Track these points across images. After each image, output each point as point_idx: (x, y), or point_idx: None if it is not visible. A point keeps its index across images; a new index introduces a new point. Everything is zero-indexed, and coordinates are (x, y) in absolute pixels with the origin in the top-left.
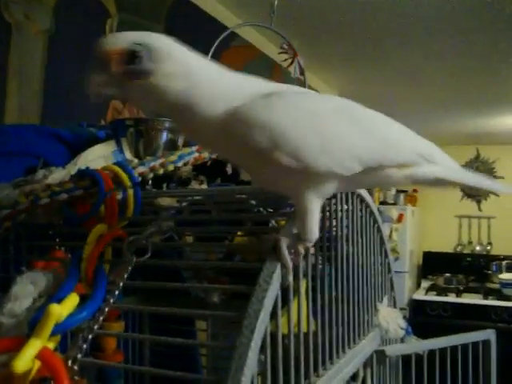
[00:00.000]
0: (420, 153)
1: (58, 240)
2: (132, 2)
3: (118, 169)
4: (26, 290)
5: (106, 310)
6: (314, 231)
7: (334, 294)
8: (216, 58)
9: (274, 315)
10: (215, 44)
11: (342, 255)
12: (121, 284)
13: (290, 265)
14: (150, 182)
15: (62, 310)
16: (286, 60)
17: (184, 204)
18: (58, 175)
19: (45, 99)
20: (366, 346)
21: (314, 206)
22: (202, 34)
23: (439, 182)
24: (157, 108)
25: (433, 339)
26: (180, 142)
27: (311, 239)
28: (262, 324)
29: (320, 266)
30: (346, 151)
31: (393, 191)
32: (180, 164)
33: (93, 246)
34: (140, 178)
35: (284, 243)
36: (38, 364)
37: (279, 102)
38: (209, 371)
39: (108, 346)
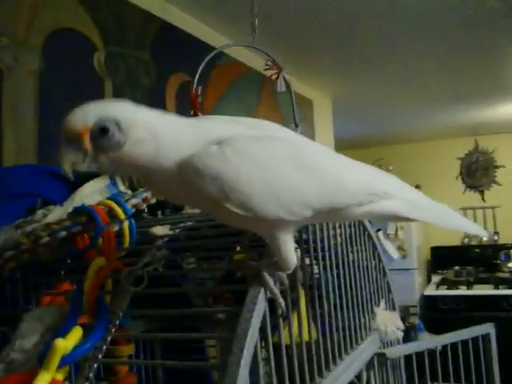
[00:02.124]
0: (372, 192)
1: (62, 274)
2: (117, 34)
3: (112, 203)
4: (33, 326)
5: (109, 339)
6: (289, 261)
7: (326, 302)
8: (205, 77)
9: (275, 328)
10: (201, 67)
11: (334, 264)
12: (121, 314)
13: (277, 291)
14: (146, 210)
15: (66, 344)
16: (272, 75)
17: (178, 230)
18: (56, 213)
19: (40, 136)
20: (365, 350)
21: (284, 240)
22: (190, 56)
23: (401, 218)
24: (127, 171)
25: (432, 338)
26: None
27: (288, 268)
28: (251, 342)
29: (316, 276)
30: (294, 199)
31: None
32: None
33: (92, 279)
34: (134, 210)
35: (265, 271)
36: None
37: (229, 153)
38: None
39: (120, 369)
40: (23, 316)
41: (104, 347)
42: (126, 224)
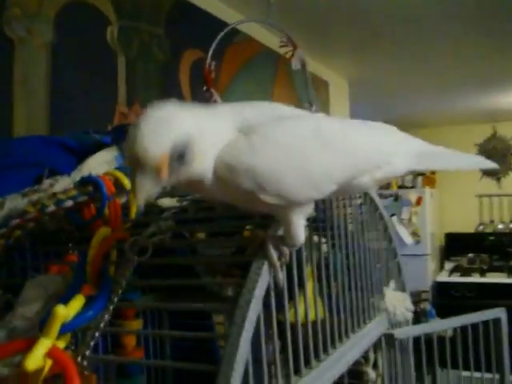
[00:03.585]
0: (389, 152)
1: (70, 244)
2: (131, 8)
3: (119, 173)
4: (36, 294)
5: (111, 308)
6: (299, 237)
7: (334, 281)
8: (219, 55)
9: (281, 306)
10: (214, 43)
11: (344, 243)
12: (124, 283)
13: (277, 264)
14: None
15: (67, 311)
16: (286, 53)
17: (185, 203)
18: (63, 183)
19: (52, 109)
20: (372, 330)
21: (299, 220)
22: (204, 33)
23: (412, 172)
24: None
25: (442, 320)
26: None
27: (295, 245)
28: (253, 314)
29: (325, 254)
30: (323, 177)
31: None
32: None
33: (96, 249)
34: None
35: (270, 243)
36: (49, 362)
37: (258, 143)
38: None
39: (128, 343)
40: (26, 283)
41: (106, 317)
42: (132, 195)
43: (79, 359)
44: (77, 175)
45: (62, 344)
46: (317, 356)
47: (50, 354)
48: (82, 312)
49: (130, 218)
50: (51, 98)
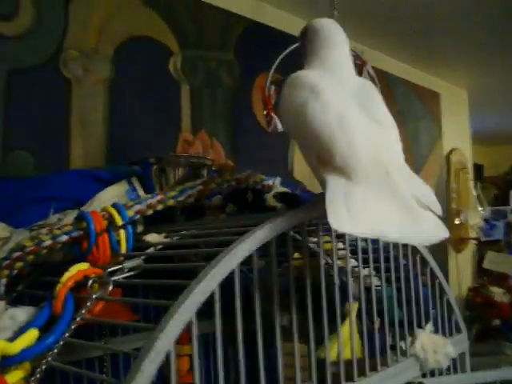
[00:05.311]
0: None
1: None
2: (195, 37)
3: (111, 209)
4: (4, 324)
5: (61, 343)
6: None
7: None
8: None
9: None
10: (274, 65)
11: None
12: (77, 319)
13: None
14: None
15: (9, 346)
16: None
17: (175, 239)
18: (70, 217)
19: (110, 144)
20: (395, 376)
21: None
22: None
23: None
24: None
25: (484, 371)
26: (204, 173)
27: None
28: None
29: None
30: None
31: None
32: (182, 198)
33: (63, 284)
34: (137, 216)
35: None
36: None
37: None
38: None
39: (181, 367)
40: None
41: (55, 351)
42: (121, 231)
43: None
44: (88, 209)
45: (16, 376)
46: None
47: None
48: (33, 345)
49: (120, 253)
50: (109, 132)
